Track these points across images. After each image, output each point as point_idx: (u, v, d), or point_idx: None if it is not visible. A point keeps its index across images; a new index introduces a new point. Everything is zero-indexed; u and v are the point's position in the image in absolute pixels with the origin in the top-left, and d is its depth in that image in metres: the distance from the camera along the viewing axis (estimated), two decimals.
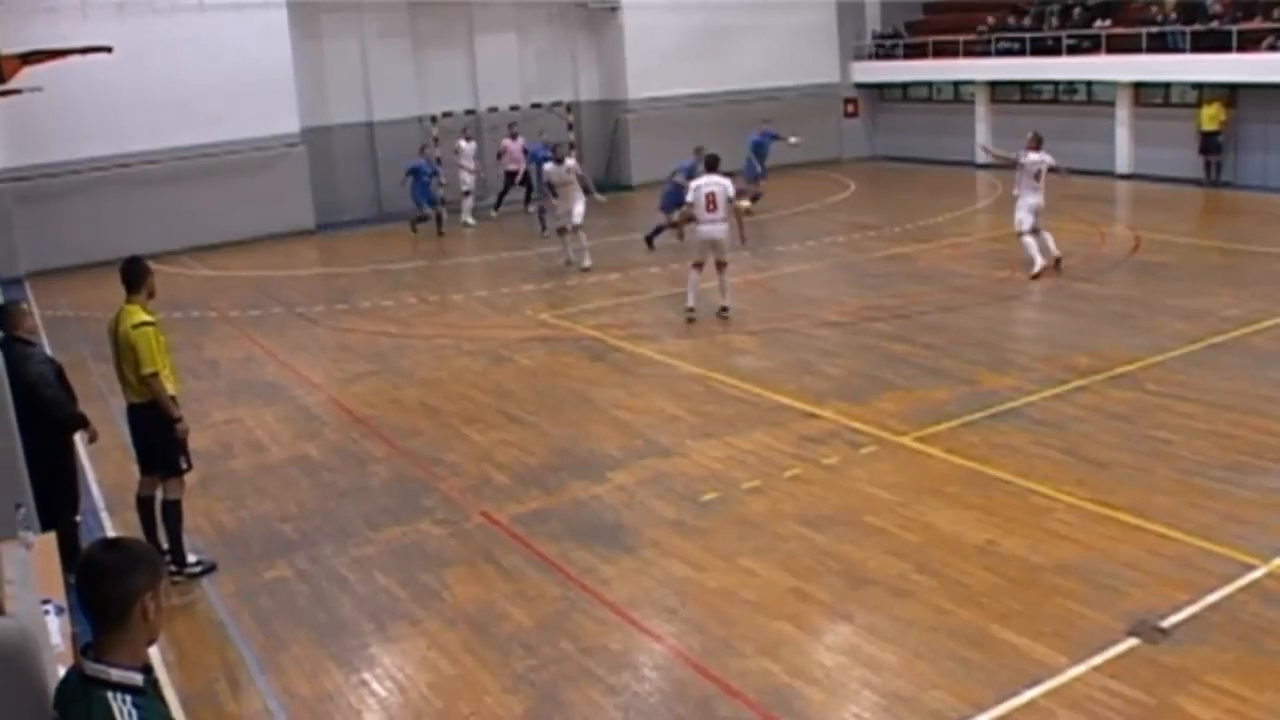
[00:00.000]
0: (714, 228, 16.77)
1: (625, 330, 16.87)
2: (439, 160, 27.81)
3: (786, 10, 34.69)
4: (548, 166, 21.96)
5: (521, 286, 20.36)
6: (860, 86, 37.10)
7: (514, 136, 28.07)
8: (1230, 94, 28.21)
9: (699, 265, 17.06)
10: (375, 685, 7.81)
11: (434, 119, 29.80)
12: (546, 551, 9.64)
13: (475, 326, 17.65)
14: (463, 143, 28.21)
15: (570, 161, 21.56)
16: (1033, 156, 18.70)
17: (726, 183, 16.93)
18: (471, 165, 28.09)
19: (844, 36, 36.65)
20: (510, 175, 28.25)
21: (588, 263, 21.03)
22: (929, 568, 8.93)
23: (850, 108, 37.14)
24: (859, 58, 36.90)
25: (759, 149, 26.80)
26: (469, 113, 30.56)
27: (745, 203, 20.25)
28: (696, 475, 11.15)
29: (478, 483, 11.30)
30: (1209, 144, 28.14)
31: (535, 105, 31.13)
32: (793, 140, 27.44)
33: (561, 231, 21.94)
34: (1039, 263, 18.58)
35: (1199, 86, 29.25)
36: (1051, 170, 18.79)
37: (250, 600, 9.13)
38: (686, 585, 8.91)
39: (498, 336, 16.89)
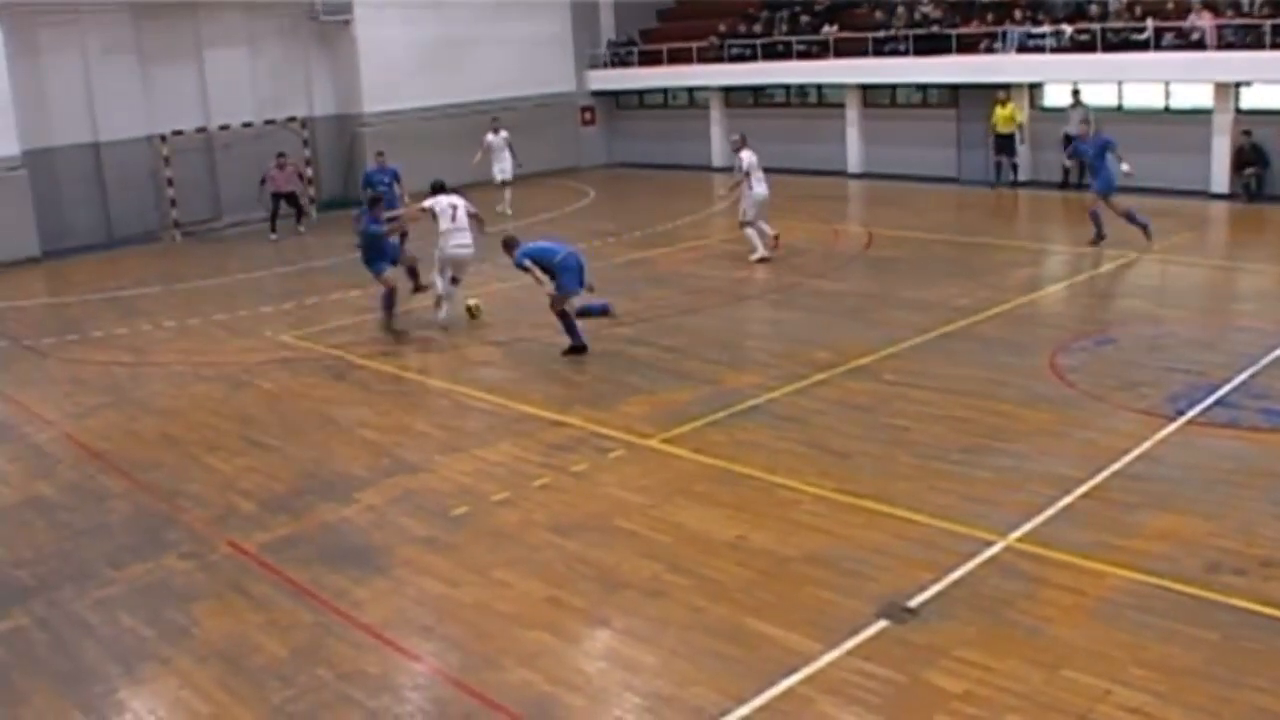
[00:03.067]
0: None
1: (368, 348, 16.56)
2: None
3: (521, 20, 34.75)
4: (488, 137, 27.41)
5: (260, 308, 19.77)
6: (596, 94, 37.43)
7: (281, 167, 27.34)
8: (954, 95, 29.53)
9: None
10: None
11: (163, 138, 28.59)
12: (297, 578, 9.37)
13: (213, 351, 17.04)
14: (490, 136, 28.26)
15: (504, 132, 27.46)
16: (744, 155, 19.92)
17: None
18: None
19: (579, 45, 36.90)
20: (280, 197, 27.40)
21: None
22: (681, 567, 9.03)
23: (587, 116, 37.44)
24: (594, 66, 37.24)
25: (1081, 152, 21.44)
26: (200, 130, 29.47)
27: None
28: (446, 490, 11.03)
29: (223, 513, 10.90)
30: (1004, 145, 27.96)
31: (269, 121, 30.20)
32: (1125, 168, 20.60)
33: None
34: (760, 250, 19.94)
35: (925, 87, 30.73)
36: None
37: None
38: (441, 602, 8.81)
39: (237, 360, 16.36)
